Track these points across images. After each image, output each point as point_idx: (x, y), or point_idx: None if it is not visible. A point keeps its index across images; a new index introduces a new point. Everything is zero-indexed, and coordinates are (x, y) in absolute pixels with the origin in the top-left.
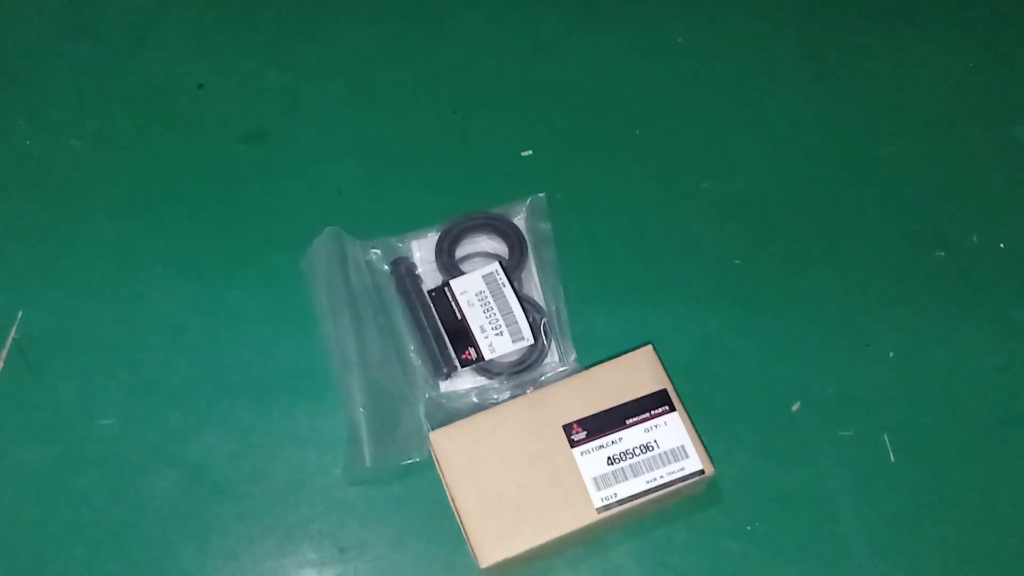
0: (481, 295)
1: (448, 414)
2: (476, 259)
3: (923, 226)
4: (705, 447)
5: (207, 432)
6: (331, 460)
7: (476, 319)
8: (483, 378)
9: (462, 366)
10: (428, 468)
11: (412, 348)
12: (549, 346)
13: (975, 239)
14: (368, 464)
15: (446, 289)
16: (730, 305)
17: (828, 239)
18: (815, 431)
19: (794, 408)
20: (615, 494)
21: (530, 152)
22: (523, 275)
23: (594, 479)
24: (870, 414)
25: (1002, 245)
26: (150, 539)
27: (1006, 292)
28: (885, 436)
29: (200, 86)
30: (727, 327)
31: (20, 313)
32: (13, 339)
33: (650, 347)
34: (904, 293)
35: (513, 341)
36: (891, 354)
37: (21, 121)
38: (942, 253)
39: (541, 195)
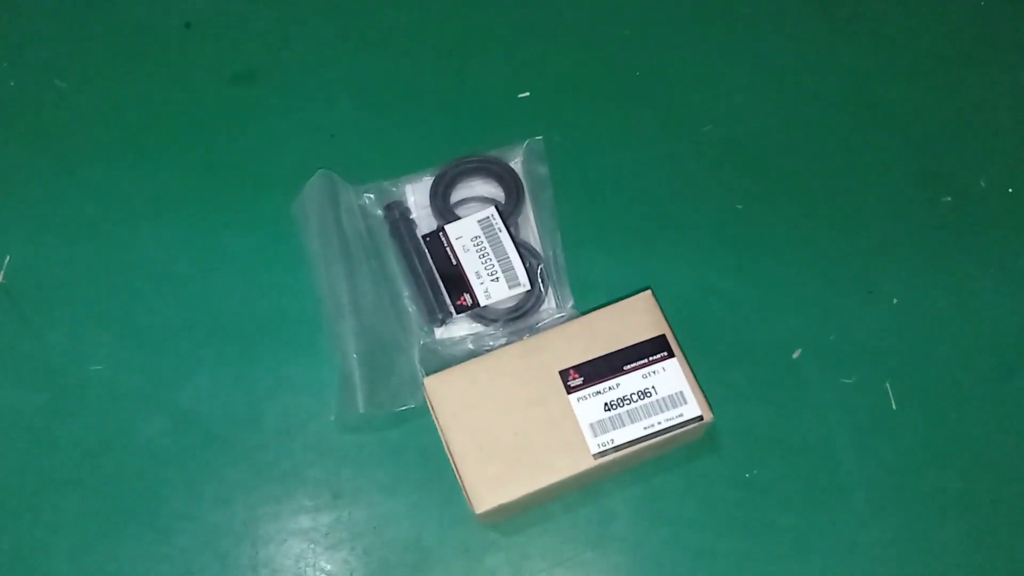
0: (477, 240)
1: (443, 361)
2: (472, 203)
3: (930, 170)
4: (704, 393)
5: (199, 378)
6: (325, 406)
7: (471, 265)
8: (479, 324)
9: (457, 312)
10: (423, 414)
11: (406, 294)
12: (546, 292)
13: (983, 184)
14: (361, 410)
15: (441, 234)
16: (731, 250)
17: (832, 183)
18: (816, 378)
19: (795, 355)
20: (612, 440)
21: (527, 94)
22: (520, 220)
23: (591, 425)
24: (872, 361)
25: (1010, 190)
26: (143, 486)
27: (1014, 238)
28: (887, 384)
29: (187, 25)
30: (728, 272)
31: (7, 258)
32: (1, 285)
33: (649, 292)
34: (909, 239)
35: (509, 287)
36: (895, 301)
37: (4, 61)
38: (949, 198)
39: (539, 138)
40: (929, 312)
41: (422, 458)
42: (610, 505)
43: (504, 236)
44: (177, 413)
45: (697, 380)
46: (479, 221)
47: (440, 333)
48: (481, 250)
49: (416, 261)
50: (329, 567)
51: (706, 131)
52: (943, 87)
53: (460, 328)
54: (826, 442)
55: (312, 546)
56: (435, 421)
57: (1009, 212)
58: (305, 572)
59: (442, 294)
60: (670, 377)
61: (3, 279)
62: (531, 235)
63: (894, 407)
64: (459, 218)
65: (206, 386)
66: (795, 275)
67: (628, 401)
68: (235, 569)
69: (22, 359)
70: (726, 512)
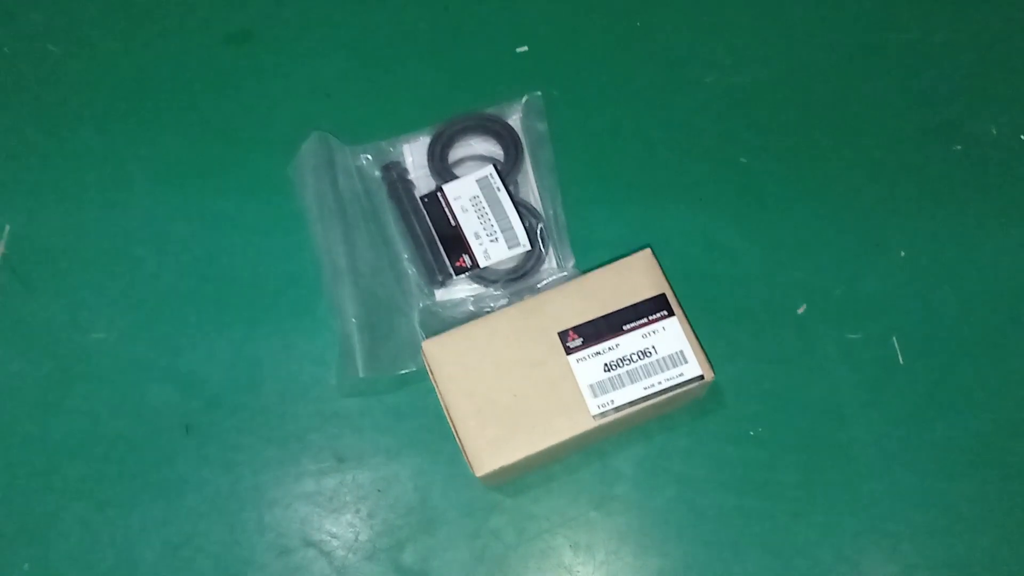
0: (475, 200)
1: (444, 323)
2: (470, 162)
3: (939, 118)
4: (705, 352)
5: (200, 344)
6: (326, 370)
7: (470, 225)
8: (479, 286)
9: (456, 274)
10: (424, 377)
11: (405, 256)
12: (546, 252)
13: (994, 131)
14: (360, 375)
15: (439, 194)
16: (735, 205)
17: (839, 134)
18: (821, 334)
19: (800, 311)
20: (612, 401)
21: (526, 48)
22: (519, 178)
23: (590, 386)
24: (879, 316)
25: (1023, 137)
26: (147, 451)
27: None
28: (894, 338)
29: None
30: (731, 228)
31: (7, 228)
32: (2, 255)
33: (648, 250)
34: (917, 189)
35: (509, 247)
36: (902, 253)
37: None
38: (959, 146)
39: (537, 93)
40: (937, 264)
41: (425, 420)
42: (615, 465)
43: (503, 195)
44: (180, 379)
45: (698, 338)
46: (478, 180)
47: (440, 295)
48: (480, 210)
49: (414, 222)
50: (334, 530)
51: (709, 82)
52: (955, 31)
53: (460, 290)
54: (832, 398)
55: (317, 509)
56: (434, 384)
57: (1021, 161)
58: (310, 535)
59: (441, 256)
60: (670, 336)
61: (4, 249)
62: (531, 194)
63: (901, 362)
64: (457, 177)
65: (207, 352)
66: (800, 228)
67: (628, 361)
68: (241, 533)
69: (26, 329)
70: (731, 470)
